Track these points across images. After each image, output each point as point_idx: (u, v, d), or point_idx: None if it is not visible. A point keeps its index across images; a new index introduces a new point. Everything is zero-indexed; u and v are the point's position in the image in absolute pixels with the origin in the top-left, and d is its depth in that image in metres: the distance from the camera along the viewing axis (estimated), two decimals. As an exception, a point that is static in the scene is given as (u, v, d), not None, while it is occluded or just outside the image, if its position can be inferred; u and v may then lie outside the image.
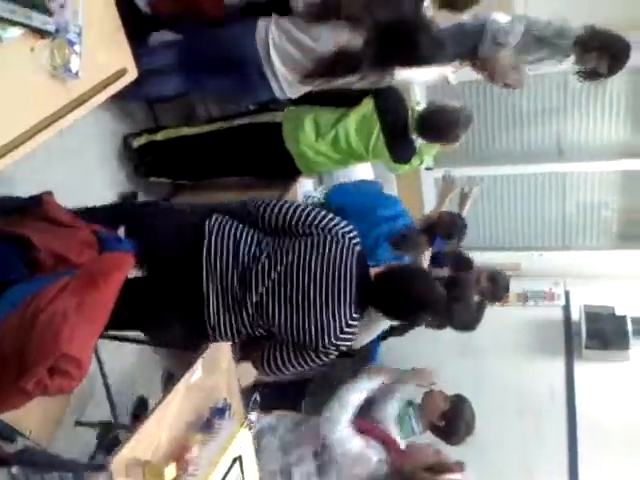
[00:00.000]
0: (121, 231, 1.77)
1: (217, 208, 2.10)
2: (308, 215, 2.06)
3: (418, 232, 3.08)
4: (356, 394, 2.50)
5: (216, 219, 2.04)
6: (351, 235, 2.09)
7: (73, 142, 2.68)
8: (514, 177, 4.94)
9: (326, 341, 1.99)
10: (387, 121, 2.92)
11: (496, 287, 3.17)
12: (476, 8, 3.06)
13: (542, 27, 3.14)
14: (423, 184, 4.73)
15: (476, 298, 2.90)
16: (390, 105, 2.93)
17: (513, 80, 3.19)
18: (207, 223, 2.02)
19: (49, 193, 1.83)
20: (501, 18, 3.20)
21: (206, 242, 1.98)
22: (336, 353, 2.07)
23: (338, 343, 2.02)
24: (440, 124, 2.97)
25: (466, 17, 3.25)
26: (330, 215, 2.09)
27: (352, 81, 2.58)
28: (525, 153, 4.90)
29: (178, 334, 2.07)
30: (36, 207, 1.81)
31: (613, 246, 4.88)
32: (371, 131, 2.92)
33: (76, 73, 1.61)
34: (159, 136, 3.09)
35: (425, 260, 2.85)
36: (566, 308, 4.41)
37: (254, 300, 1.97)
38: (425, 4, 2.83)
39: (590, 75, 3.23)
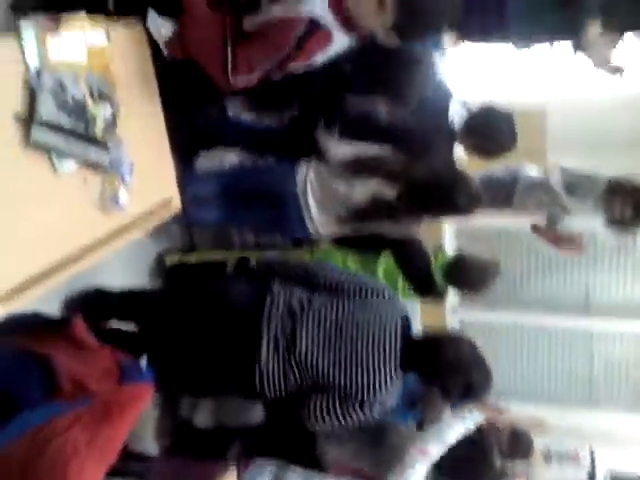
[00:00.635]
0: (143, 362, 1.76)
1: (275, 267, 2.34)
2: (359, 278, 2.28)
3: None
4: None
5: (279, 281, 2.22)
6: (397, 298, 2.26)
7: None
8: (541, 326, 4.86)
9: (371, 396, 2.07)
10: (409, 276, 2.99)
11: (518, 447, 3.04)
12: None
13: (573, 173, 3.22)
14: (447, 327, 4.68)
15: (497, 459, 2.77)
16: (410, 260, 2.98)
17: (572, 248, 3.24)
18: (271, 283, 2.19)
19: (79, 315, 1.84)
20: (532, 171, 3.30)
21: (269, 297, 2.13)
22: (380, 411, 2.13)
23: (382, 399, 2.10)
24: (465, 277, 3.01)
25: (497, 166, 3.36)
26: (379, 281, 2.30)
27: (384, 227, 2.64)
28: (552, 303, 4.86)
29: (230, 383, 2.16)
30: (64, 327, 1.82)
31: (641, 409, 4.71)
32: (397, 281, 2.99)
33: (123, 205, 1.67)
34: (192, 258, 3.16)
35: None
36: (591, 474, 4.19)
37: (301, 351, 2.07)
38: (456, 149, 2.94)
39: (615, 223, 3.24)
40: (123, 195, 1.66)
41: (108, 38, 1.60)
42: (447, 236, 4.45)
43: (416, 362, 2.17)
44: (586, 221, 3.52)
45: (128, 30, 1.75)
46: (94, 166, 1.58)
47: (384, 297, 2.21)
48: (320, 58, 1.87)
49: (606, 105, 4.33)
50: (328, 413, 2.12)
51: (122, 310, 2.43)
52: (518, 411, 4.33)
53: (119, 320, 2.41)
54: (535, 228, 3.44)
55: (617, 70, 2.80)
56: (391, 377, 2.10)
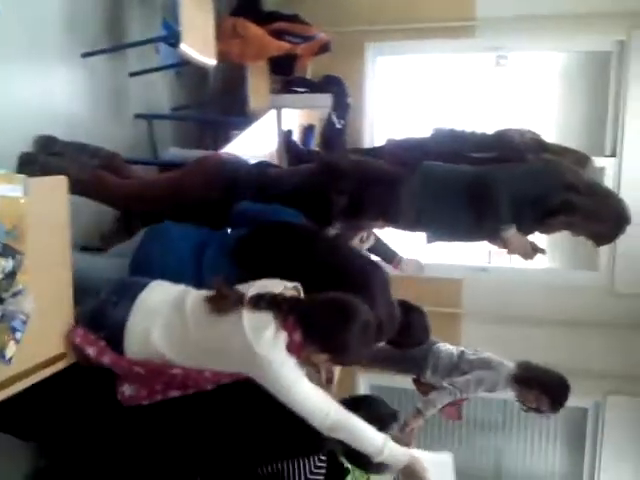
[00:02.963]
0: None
1: None
2: None
3: None
4: None
5: None
6: None
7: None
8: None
9: None
10: None
11: None
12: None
13: (479, 363, 3.30)
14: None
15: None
16: None
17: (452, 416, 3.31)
18: None
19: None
20: (444, 348, 3.40)
21: None
22: None
23: None
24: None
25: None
26: None
27: None
28: (462, 470, 4.81)
29: None
30: None
31: None
32: None
33: (9, 359, 1.59)
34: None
35: None
36: None
37: None
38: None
39: (532, 410, 3.32)
40: (11, 349, 1.58)
41: (26, 192, 1.61)
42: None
43: None
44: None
45: (50, 183, 1.77)
46: (-16, 317, 1.52)
47: None
48: None
49: (520, 280, 4.58)
50: None
51: None
52: None
53: None
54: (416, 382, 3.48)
55: (538, 252, 3.00)
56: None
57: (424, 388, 3.42)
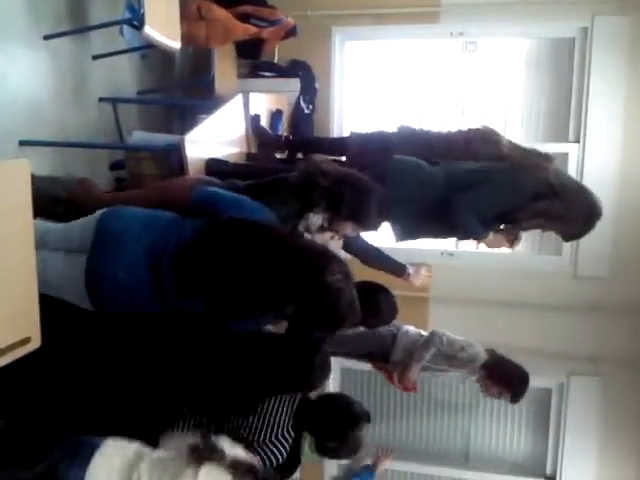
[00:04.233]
0: None
1: None
2: None
3: None
4: None
5: None
6: None
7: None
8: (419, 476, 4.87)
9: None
10: None
11: None
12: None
13: (456, 349, 3.34)
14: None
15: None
16: None
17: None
18: None
19: None
20: (412, 330, 3.43)
21: None
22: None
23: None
24: None
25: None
26: None
27: None
28: (431, 452, 4.89)
29: None
30: None
31: None
32: None
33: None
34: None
35: None
36: None
37: None
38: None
39: (493, 397, 3.40)
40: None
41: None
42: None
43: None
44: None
45: (11, 166, 1.74)
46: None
47: None
48: None
49: (486, 264, 4.64)
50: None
51: None
52: None
53: None
54: (375, 364, 3.53)
55: (517, 242, 3.07)
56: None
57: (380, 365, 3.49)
